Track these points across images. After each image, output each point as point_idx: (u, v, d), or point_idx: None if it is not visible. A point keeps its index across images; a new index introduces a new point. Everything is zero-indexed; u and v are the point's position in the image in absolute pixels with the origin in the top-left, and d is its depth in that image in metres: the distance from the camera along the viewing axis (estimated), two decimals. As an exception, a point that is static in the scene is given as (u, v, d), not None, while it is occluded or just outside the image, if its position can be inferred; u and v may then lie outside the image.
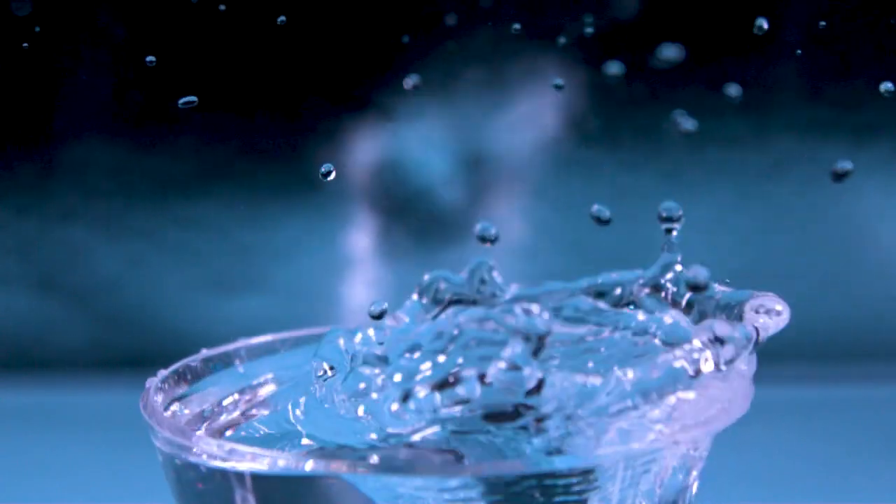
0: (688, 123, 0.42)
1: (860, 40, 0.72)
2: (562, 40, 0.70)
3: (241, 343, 0.45)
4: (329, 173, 0.48)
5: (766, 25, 0.63)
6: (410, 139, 0.78)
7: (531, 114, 0.76)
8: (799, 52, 0.74)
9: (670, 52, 0.49)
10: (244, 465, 0.35)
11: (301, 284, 0.79)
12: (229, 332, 0.47)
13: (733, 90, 0.70)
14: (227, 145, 0.77)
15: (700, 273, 0.41)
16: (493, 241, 0.42)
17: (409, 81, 0.70)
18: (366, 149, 0.77)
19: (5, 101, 0.77)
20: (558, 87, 0.73)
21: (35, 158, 0.78)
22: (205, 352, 0.44)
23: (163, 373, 0.42)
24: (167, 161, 0.77)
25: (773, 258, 0.78)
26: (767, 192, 0.76)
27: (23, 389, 0.78)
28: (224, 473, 0.36)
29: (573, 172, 0.77)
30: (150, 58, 0.62)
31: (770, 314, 0.40)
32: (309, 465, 0.35)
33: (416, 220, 0.78)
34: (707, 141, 0.74)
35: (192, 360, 0.43)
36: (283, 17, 0.60)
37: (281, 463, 0.35)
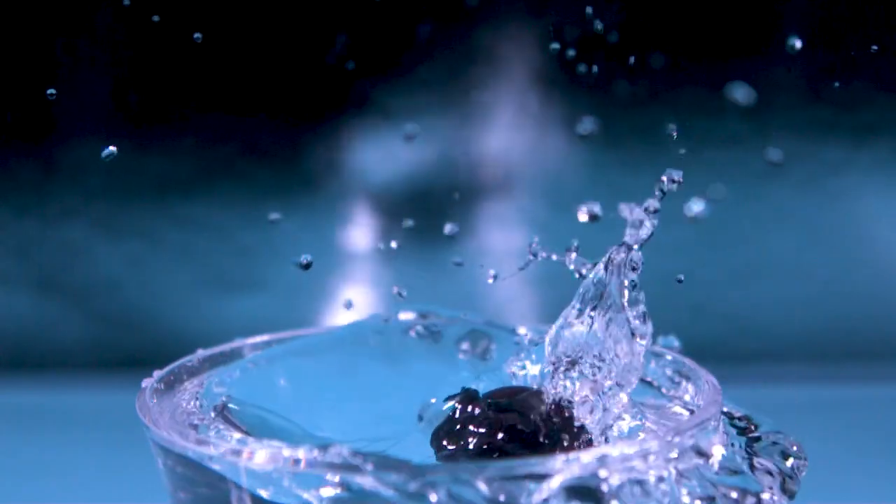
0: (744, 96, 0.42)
1: (860, 40, 0.72)
2: (559, 43, 0.70)
3: (238, 343, 0.45)
4: (309, 265, 0.49)
5: (798, 45, 0.64)
6: (411, 139, 0.78)
7: (532, 113, 0.76)
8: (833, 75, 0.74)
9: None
10: (240, 465, 0.35)
11: (301, 284, 0.79)
12: (229, 332, 0.47)
13: (775, 155, 0.70)
14: (227, 145, 0.77)
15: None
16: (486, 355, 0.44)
17: (409, 130, 0.71)
18: (366, 148, 0.77)
19: (6, 100, 0.77)
20: (584, 137, 0.73)
21: (35, 158, 0.78)
22: (201, 352, 0.44)
23: (158, 373, 0.42)
24: (167, 161, 0.77)
25: (773, 258, 0.78)
26: (767, 192, 0.76)
27: (23, 389, 0.78)
28: (219, 473, 0.36)
29: (573, 172, 0.77)
30: (51, 90, 0.63)
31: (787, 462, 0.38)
32: (303, 464, 0.34)
33: (416, 220, 0.78)
34: (707, 141, 0.74)
35: (188, 359, 0.43)
36: (198, 35, 0.60)
37: (276, 462, 0.35)
